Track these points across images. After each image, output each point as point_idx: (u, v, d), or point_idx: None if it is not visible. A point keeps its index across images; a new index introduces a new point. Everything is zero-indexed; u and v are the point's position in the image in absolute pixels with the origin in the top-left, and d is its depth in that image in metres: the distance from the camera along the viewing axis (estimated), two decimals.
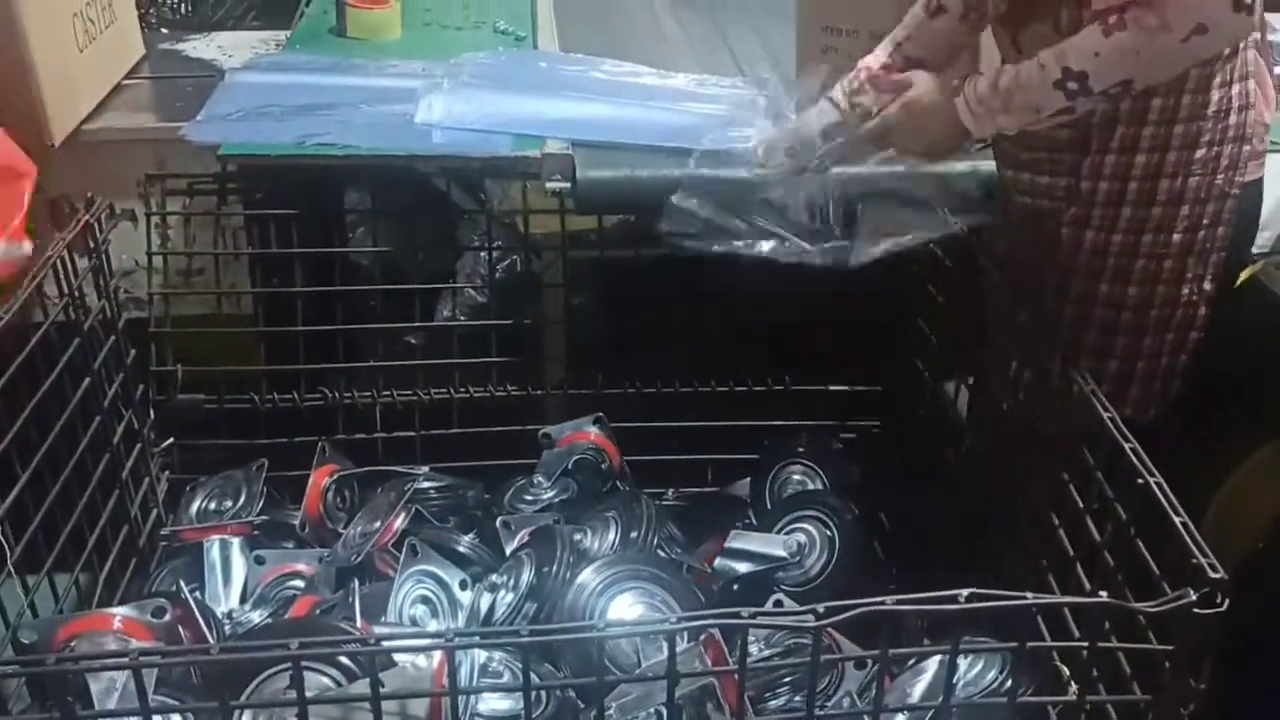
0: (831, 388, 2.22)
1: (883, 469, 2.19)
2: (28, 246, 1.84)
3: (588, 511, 1.94)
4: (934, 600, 1.10)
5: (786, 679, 1.47)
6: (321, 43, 2.66)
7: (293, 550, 1.93)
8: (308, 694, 1.12)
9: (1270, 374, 1.80)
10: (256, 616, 1.77)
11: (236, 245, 2.21)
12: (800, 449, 2.11)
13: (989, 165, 1.89)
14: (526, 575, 1.68)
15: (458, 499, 2.02)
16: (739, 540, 1.84)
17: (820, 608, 1.11)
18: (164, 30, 3.19)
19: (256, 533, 1.94)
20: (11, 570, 1.57)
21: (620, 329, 2.24)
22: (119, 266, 2.00)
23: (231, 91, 2.29)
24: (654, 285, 2.12)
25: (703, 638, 1.37)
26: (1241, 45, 1.65)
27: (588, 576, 1.63)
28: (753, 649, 1.43)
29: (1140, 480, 1.32)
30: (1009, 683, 1.40)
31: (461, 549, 1.84)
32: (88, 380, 1.81)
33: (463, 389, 2.20)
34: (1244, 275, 1.83)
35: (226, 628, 1.68)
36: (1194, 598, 1.13)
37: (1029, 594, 1.14)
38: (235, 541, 1.89)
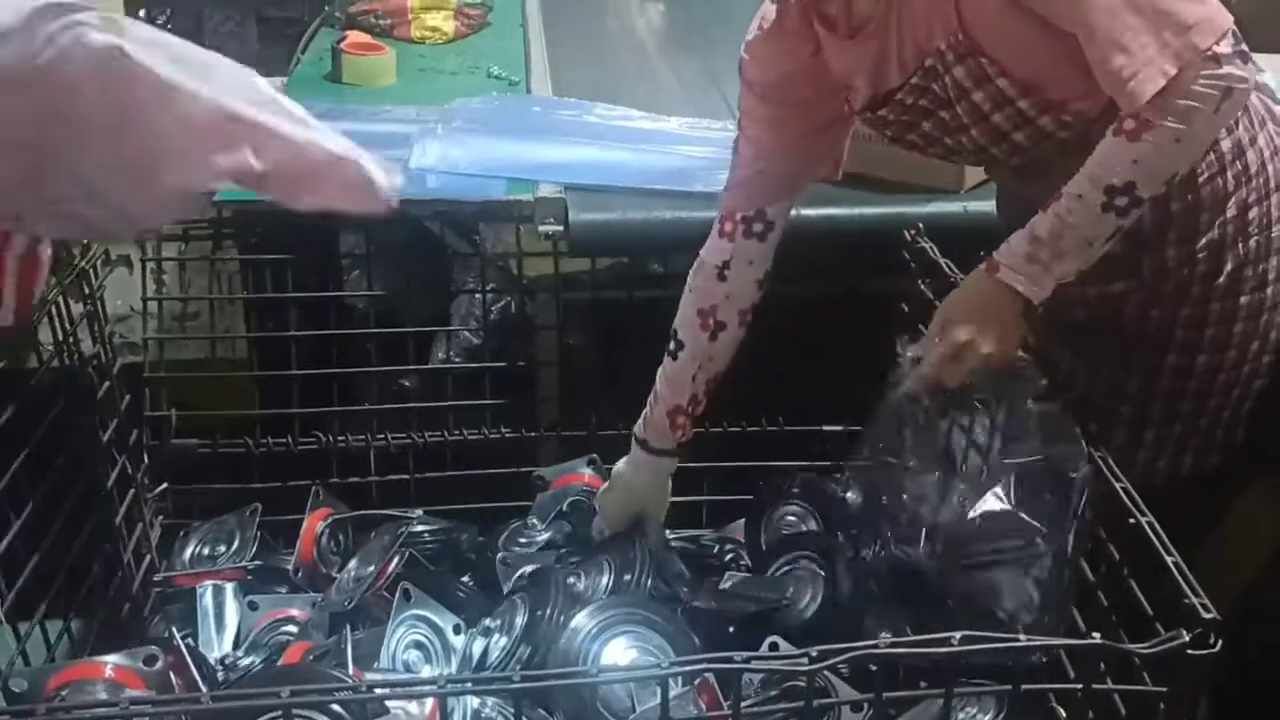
0: (826, 428, 2.22)
1: None
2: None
3: (582, 553, 1.93)
4: (928, 644, 1.10)
5: None
6: (318, 89, 2.69)
7: (286, 595, 1.92)
8: None
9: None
10: (250, 662, 1.76)
11: (231, 290, 2.23)
12: (795, 490, 2.10)
13: None
14: (520, 619, 1.67)
15: (452, 542, 2.01)
16: (734, 582, 1.83)
17: (814, 651, 1.11)
18: None
19: (250, 578, 1.93)
20: (3, 618, 1.57)
21: (614, 370, 2.24)
22: (114, 312, 2.01)
23: None
24: (647, 326, 2.13)
25: (697, 682, 1.36)
26: None
27: (581, 620, 1.62)
28: (747, 692, 1.42)
29: (1132, 520, 1.32)
30: None
31: (456, 593, 1.83)
32: (82, 425, 1.81)
33: (457, 431, 2.21)
34: None
35: (220, 674, 1.67)
36: (1187, 638, 1.13)
37: (1021, 636, 1.14)
38: (229, 587, 1.88)
